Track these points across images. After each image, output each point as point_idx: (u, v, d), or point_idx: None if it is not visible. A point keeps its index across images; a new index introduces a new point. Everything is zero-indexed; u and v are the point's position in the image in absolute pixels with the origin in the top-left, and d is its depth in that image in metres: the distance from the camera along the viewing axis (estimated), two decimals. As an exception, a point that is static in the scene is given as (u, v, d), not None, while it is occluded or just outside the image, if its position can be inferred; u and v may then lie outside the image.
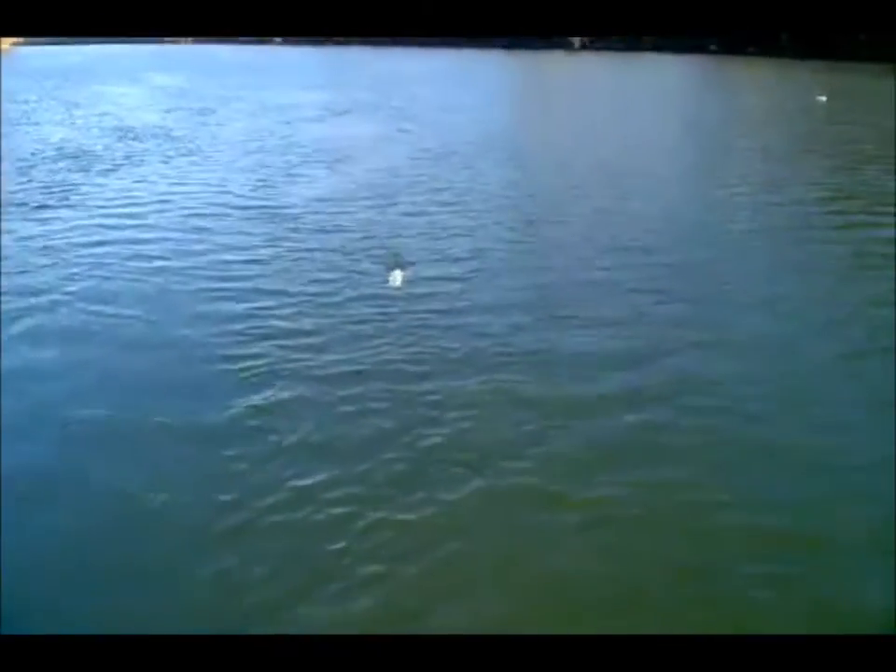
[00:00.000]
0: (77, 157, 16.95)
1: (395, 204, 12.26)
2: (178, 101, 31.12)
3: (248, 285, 8.53)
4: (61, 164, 15.93)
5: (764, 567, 4.19)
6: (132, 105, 29.22)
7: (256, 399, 5.87)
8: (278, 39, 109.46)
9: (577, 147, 18.42)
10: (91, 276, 8.87)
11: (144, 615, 3.78)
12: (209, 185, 13.97)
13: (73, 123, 23.11)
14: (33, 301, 8.03)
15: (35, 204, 12.37)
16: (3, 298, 8.03)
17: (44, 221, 11.36)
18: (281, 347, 6.78)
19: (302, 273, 8.96)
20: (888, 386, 6.09)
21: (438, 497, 4.68)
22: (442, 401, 5.81)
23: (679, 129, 22.38)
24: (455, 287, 8.36)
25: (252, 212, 11.89)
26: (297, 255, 9.63)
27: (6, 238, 10.28)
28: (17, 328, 7.34)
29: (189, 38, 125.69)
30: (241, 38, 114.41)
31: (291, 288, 8.39)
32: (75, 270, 9.07)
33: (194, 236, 10.58)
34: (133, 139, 19.93)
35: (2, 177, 14.09)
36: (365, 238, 10.28)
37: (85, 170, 15.38)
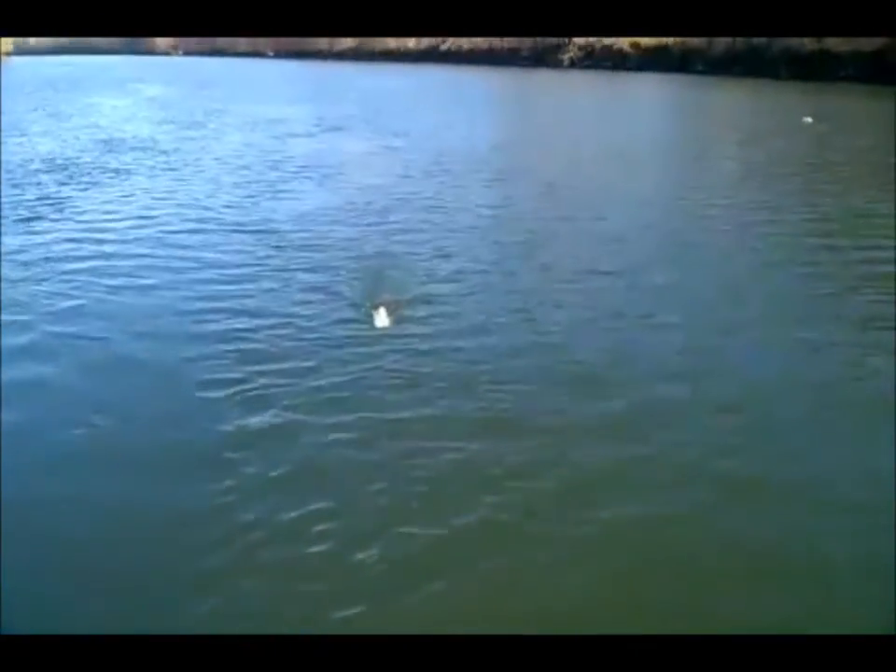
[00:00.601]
0: (63, 169, 16.87)
1: (381, 223, 12.22)
2: (167, 113, 31.13)
3: (230, 304, 8.38)
4: (45, 177, 15.84)
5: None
6: (120, 117, 29.21)
7: (237, 427, 5.70)
8: (270, 53, 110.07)
9: (562, 168, 18.50)
10: (60, 294, 8.68)
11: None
12: (194, 200, 13.92)
13: (60, 135, 23.04)
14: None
15: (16, 218, 12.27)
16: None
17: (25, 234, 11.25)
18: (261, 373, 6.61)
19: (285, 293, 8.82)
20: (871, 414, 6.04)
21: (422, 532, 4.56)
22: (420, 429, 5.66)
23: (662, 149, 22.58)
24: (444, 309, 8.23)
25: (235, 228, 11.79)
26: (280, 274, 9.50)
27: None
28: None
29: (181, 50, 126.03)
30: (236, 46, 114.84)
31: (274, 309, 8.26)
32: (45, 287, 8.89)
33: (173, 253, 10.45)
34: (120, 152, 19.88)
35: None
36: (350, 258, 10.19)
37: (69, 183, 15.29)
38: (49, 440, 5.62)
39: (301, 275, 9.47)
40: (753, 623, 3.90)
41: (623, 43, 67.09)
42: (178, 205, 13.53)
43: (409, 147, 21.52)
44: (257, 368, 6.72)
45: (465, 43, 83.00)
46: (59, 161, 17.93)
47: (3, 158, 17.92)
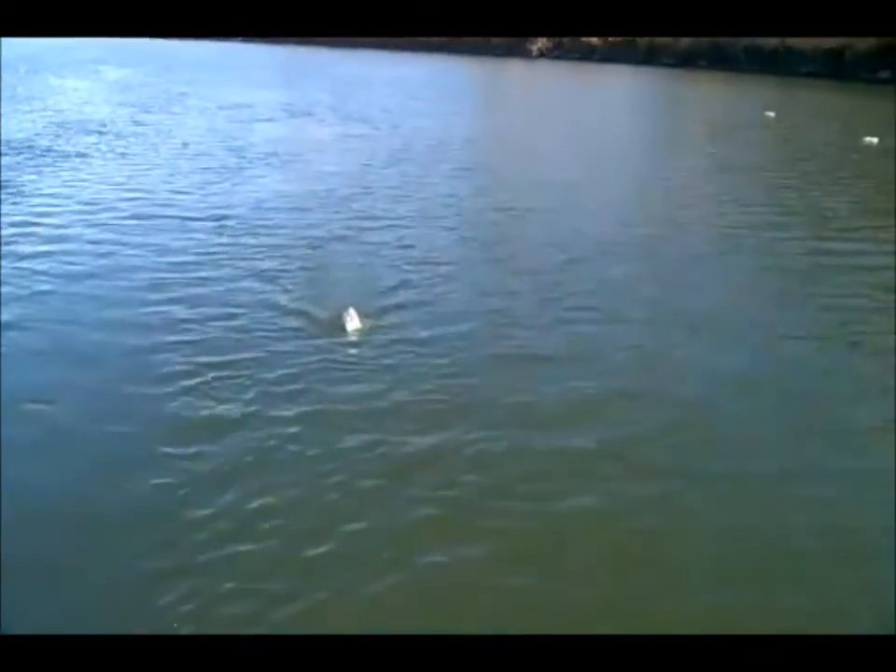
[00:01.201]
0: (17, 153, 16.45)
1: (339, 213, 12.09)
2: (130, 97, 30.46)
3: (171, 294, 8.15)
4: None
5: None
6: (80, 100, 28.50)
7: (181, 419, 5.59)
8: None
9: (527, 158, 18.54)
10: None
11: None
12: (147, 186, 13.63)
13: (17, 118, 22.43)
14: None
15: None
16: None
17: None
18: (205, 364, 6.49)
19: (230, 281, 8.56)
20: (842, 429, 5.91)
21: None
22: (388, 453, 5.36)
23: (624, 142, 22.71)
24: (403, 313, 7.91)
25: (186, 215, 11.56)
26: (227, 262, 9.27)
27: None
28: None
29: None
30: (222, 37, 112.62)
31: (218, 298, 8.05)
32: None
33: (118, 238, 10.24)
34: (76, 136, 19.42)
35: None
36: (306, 248, 10.05)
37: (16, 168, 14.90)
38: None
39: (245, 263, 9.26)
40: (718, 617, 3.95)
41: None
42: (129, 190, 13.26)
43: (375, 134, 21.37)
44: (202, 359, 6.58)
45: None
46: (13, 145, 17.47)
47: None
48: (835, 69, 47.52)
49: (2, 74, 36.24)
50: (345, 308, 7.38)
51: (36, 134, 19.27)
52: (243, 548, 4.34)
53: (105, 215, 11.56)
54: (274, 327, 7.41)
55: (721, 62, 55.07)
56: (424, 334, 7.33)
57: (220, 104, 28.51)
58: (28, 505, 4.72)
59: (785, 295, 8.91)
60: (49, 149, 17.18)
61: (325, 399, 6.00)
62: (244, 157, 16.99)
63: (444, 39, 79.83)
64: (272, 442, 5.39)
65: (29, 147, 17.37)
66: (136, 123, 22.29)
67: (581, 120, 28.96)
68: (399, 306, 8.06)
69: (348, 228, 11.16)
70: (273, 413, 5.76)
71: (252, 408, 5.82)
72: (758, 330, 7.81)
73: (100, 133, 20.11)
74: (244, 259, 9.53)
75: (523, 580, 4.22)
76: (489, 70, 58.17)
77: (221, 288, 8.44)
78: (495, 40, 75.06)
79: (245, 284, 8.63)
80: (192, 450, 5.26)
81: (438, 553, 4.38)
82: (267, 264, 9.35)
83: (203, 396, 5.98)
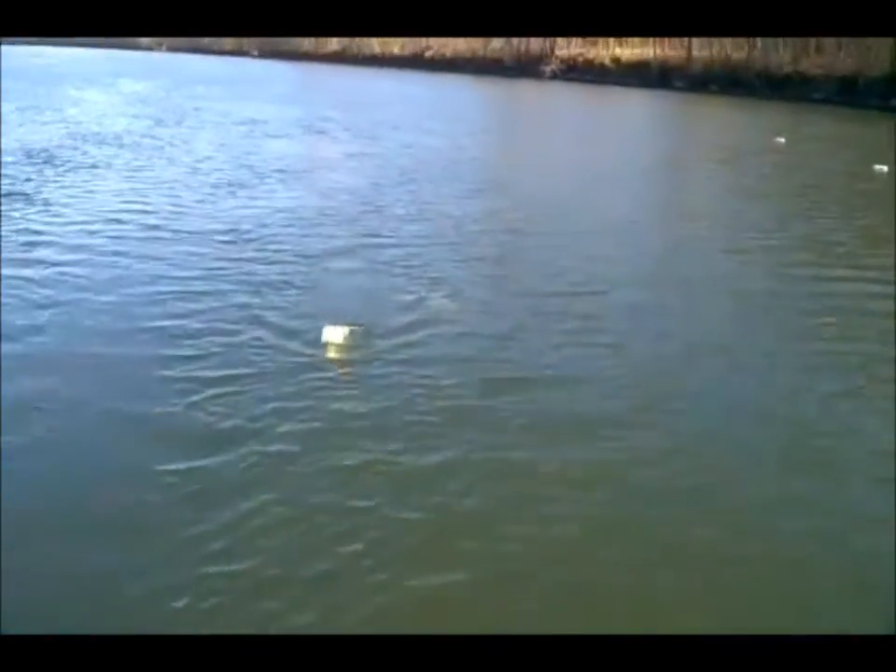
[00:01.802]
0: (31, 160, 16.68)
1: (346, 230, 12.13)
2: (144, 110, 30.86)
3: (167, 309, 8.20)
4: (12, 170, 15.64)
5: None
6: (98, 112, 28.91)
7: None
8: (255, 52, 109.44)
9: (538, 180, 18.59)
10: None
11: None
12: (153, 199, 13.72)
13: (33, 128, 22.74)
14: None
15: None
16: None
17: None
18: (200, 380, 6.49)
19: (228, 296, 8.58)
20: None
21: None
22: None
23: (635, 165, 22.75)
24: (404, 336, 7.80)
25: (190, 229, 11.61)
26: (224, 277, 9.30)
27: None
28: None
29: (164, 46, 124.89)
30: (221, 45, 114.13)
31: (213, 313, 8.06)
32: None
33: (118, 249, 10.35)
34: (92, 145, 19.70)
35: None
36: (309, 264, 10.07)
37: (29, 176, 15.05)
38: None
39: (247, 278, 9.30)
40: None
41: (604, 57, 67.84)
42: (138, 202, 13.36)
43: (387, 153, 21.51)
44: (198, 374, 6.59)
45: (448, 51, 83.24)
46: (31, 154, 17.70)
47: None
48: (848, 96, 47.61)
49: (22, 85, 36.83)
50: (343, 324, 7.38)
51: (53, 144, 19.53)
52: (227, 568, 4.31)
53: (111, 226, 11.65)
54: (268, 342, 7.42)
55: (733, 86, 55.24)
56: (423, 353, 7.35)
57: (233, 118, 28.85)
58: (18, 513, 4.72)
59: (787, 325, 8.89)
60: (63, 159, 17.42)
61: (317, 418, 5.99)
62: (255, 172, 17.15)
63: (457, 59, 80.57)
64: (262, 459, 5.39)
65: (45, 155, 17.61)
66: (151, 136, 22.57)
67: (593, 142, 29.10)
68: (399, 325, 8.06)
69: (354, 245, 11.20)
70: (266, 428, 5.77)
71: (244, 423, 5.83)
72: (760, 360, 7.80)
73: (114, 144, 20.39)
74: (246, 273, 9.57)
75: (517, 605, 4.18)
76: (501, 91, 58.57)
77: (219, 304, 8.43)
78: (507, 61, 75.63)
79: (242, 299, 8.63)
80: (183, 466, 5.27)
81: (430, 575, 4.35)
82: (271, 277, 9.40)
83: (200, 410, 6.01)
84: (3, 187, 13.87)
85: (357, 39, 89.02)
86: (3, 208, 12.32)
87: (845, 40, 49.94)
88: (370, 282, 9.56)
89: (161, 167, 17.35)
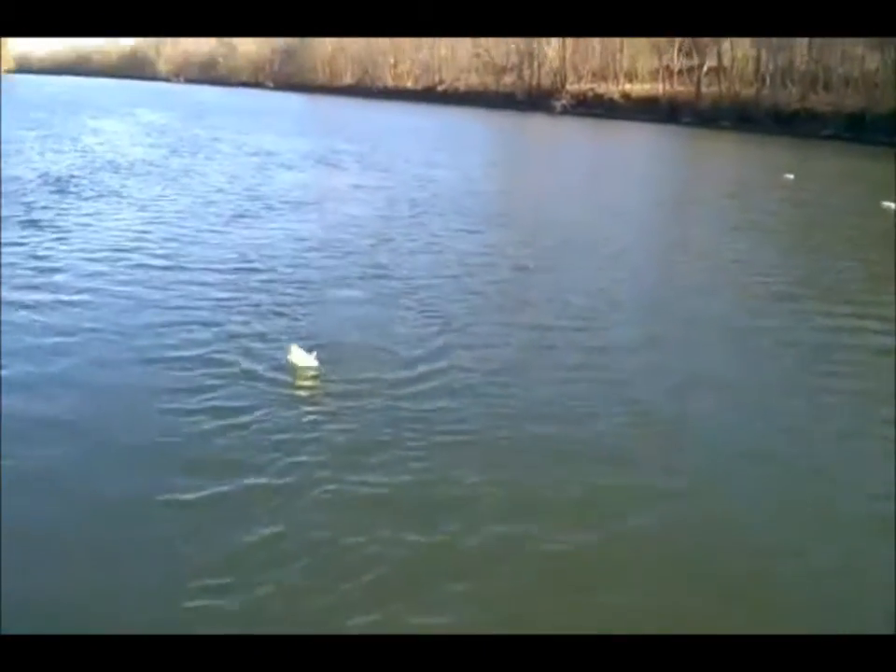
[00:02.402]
0: (49, 191, 17.00)
1: (352, 262, 12.22)
2: (161, 139, 31.44)
3: (165, 340, 8.29)
4: (30, 197, 15.94)
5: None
6: (114, 141, 29.48)
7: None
8: (270, 84, 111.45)
9: (546, 215, 18.70)
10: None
11: None
12: (164, 228, 13.92)
13: (51, 156, 23.21)
14: None
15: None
16: None
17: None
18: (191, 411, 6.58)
19: (224, 328, 8.64)
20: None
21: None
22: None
23: (643, 201, 22.90)
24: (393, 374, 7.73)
25: (193, 264, 11.65)
26: (224, 312, 9.32)
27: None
28: None
29: (182, 77, 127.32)
30: (237, 76, 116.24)
31: (203, 343, 8.17)
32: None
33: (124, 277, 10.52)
34: (105, 174, 20.08)
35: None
36: (310, 297, 10.17)
37: (42, 203, 15.30)
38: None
39: (250, 308, 9.42)
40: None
41: (614, 92, 68.76)
42: (147, 232, 13.59)
43: (397, 185, 21.72)
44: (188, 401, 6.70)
45: (461, 84, 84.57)
46: (48, 180, 18.06)
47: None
48: (856, 133, 47.87)
49: (41, 113, 37.59)
50: (338, 353, 7.58)
51: (68, 173, 19.90)
52: (215, 603, 4.30)
53: (119, 254, 11.84)
54: (265, 369, 7.52)
55: (742, 122, 55.68)
56: (417, 387, 7.39)
57: (247, 149, 29.31)
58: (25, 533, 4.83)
59: (788, 367, 8.85)
60: (75, 187, 17.78)
61: (302, 451, 6.01)
62: (266, 204, 17.37)
63: (469, 92, 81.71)
64: (250, 487, 5.46)
65: (60, 184, 17.96)
66: (166, 166, 22.96)
67: (602, 177, 29.33)
68: (395, 360, 8.12)
69: (358, 277, 11.29)
70: (249, 458, 5.84)
71: (229, 454, 5.91)
72: (761, 398, 7.79)
73: (130, 173, 20.75)
74: (248, 304, 9.67)
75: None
76: (512, 124, 59.24)
77: (210, 334, 8.49)
78: (519, 95, 76.61)
79: (237, 328, 8.74)
80: (166, 496, 5.33)
81: (423, 614, 4.34)
82: (274, 307, 9.55)
83: (190, 436, 6.14)
84: (20, 214, 14.15)
85: (370, 73, 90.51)
86: (19, 234, 12.56)
87: (852, 77, 50.33)
88: (375, 312, 9.67)
89: (174, 197, 17.64)
